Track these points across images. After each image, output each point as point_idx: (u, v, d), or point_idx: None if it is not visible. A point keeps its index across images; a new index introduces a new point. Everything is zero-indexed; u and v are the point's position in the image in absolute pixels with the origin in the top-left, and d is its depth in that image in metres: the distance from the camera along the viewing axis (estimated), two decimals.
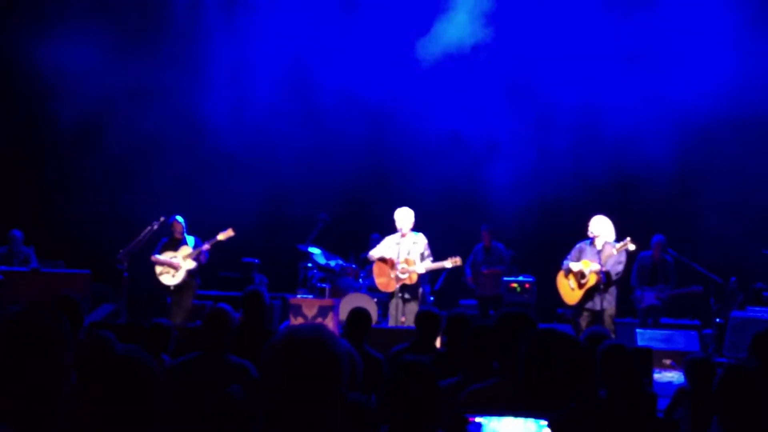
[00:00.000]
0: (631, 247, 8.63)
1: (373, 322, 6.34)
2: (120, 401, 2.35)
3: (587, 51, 11.23)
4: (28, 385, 2.13)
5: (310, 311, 9.60)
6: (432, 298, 10.83)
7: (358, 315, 5.63)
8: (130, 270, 9.45)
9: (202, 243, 9.84)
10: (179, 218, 10.04)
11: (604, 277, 8.59)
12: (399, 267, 8.99)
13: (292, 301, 10.13)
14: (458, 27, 11.46)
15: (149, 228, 9.60)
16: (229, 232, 9.74)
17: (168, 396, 3.94)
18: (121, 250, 9.39)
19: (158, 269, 9.88)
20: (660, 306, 10.12)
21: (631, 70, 11.16)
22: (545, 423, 2.75)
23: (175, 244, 9.92)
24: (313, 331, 2.15)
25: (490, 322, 3.95)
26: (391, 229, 9.25)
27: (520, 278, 10.86)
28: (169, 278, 9.85)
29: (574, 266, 8.76)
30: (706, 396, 4.97)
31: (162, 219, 9.80)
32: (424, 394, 2.93)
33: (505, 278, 10.75)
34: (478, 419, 2.90)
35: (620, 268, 8.68)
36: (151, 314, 8.64)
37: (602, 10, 11.25)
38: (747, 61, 10.74)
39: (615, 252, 8.59)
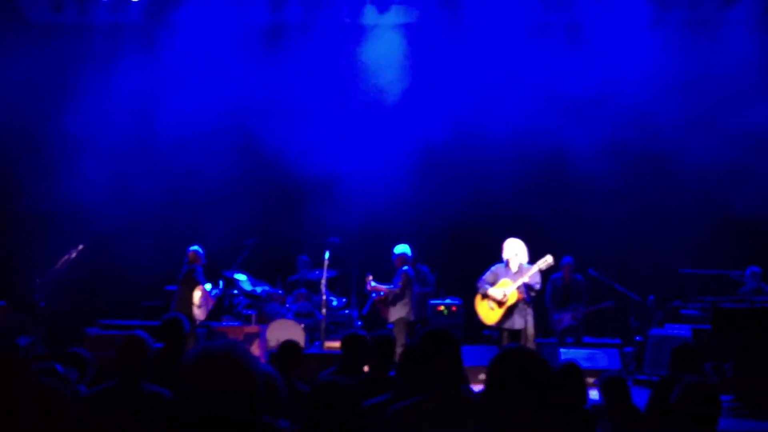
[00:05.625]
0: (551, 263, 8.85)
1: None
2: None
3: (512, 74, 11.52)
4: None
5: (236, 339, 9.46)
6: (360, 323, 10.81)
7: (288, 348, 5.55)
8: (46, 299, 9.15)
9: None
10: (198, 248, 9.88)
11: (526, 290, 8.76)
12: None
13: (218, 328, 9.99)
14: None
15: (66, 256, 9.34)
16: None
17: (83, 426, 3.81)
18: (36, 279, 9.10)
19: (197, 300, 9.61)
20: (576, 326, 10.36)
21: (553, 90, 11.46)
22: None
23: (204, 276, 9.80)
24: (227, 347, 2.12)
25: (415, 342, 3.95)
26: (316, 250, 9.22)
27: (447, 301, 10.93)
28: (202, 312, 9.72)
29: (494, 292, 8.89)
30: (623, 412, 5.09)
31: (80, 247, 9.55)
32: (342, 414, 2.90)
33: (432, 301, 10.80)
34: None
35: (539, 285, 8.90)
36: (70, 344, 8.36)
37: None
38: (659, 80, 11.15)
39: (536, 269, 8.79)
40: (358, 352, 5.67)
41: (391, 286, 9.78)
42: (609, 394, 5.04)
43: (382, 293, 9.87)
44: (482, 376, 8.09)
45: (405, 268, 9.74)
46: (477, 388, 6.85)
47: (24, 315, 10.40)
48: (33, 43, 11.78)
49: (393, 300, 9.68)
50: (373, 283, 9.97)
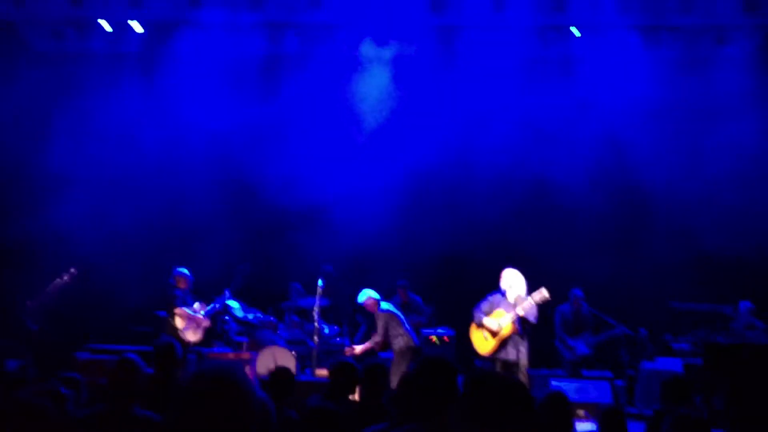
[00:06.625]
0: (546, 296, 8.85)
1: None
2: None
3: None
4: None
5: None
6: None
7: (280, 375, 5.56)
8: (37, 323, 9.12)
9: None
10: (185, 270, 9.91)
11: (520, 323, 8.77)
12: None
13: (209, 355, 9.94)
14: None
15: (59, 279, 9.32)
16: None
17: None
18: (28, 302, 9.07)
19: (181, 324, 9.68)
20: (591, 354, 10.43)
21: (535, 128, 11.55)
22: None
23: (185, 299, 9.86)
24: (224, 370, 2.13)
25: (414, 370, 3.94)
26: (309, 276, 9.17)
27: (439, 331, 10.91)
28: (191, 334, 9.69)
29: (489, 322, 8.91)
30: None
31: (73, 271, 9.54)
32: None
33: (424, 331, 10.78)
34: None
35: (535, 319, 8.89)
36: (59, 368, 8.31)
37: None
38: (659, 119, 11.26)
39: (531, 302, 8.79)
40: (346, 380, 5.68)
41: (372, 339, 9.58)
42: (606, 427, 5.05)
43: (372, 348, 9.68)
44: None
45: (381, 310, 9.51)
46: None
47: (13, 338, 10.35)
48: (33, 72, 11.83)
49: (384, 345, 9.58)
50: (357, 349, 9.71)
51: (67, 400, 3.76)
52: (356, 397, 5.93)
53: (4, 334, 10.12)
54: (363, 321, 10.48)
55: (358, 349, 9.70)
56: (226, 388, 2.07)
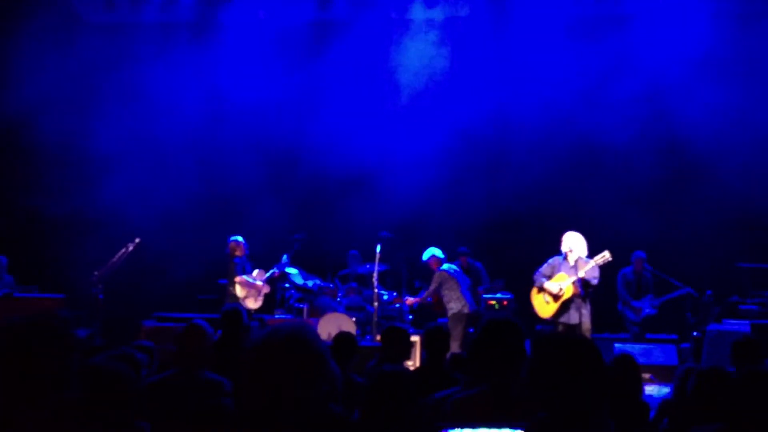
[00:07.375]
0: (609, 258, 8.72)
1: None
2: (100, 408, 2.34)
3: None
4: (31, 384, 2.12)
5: None
6: (410, 317, 10.81)
7: (344, 339, 5.59)
8: (104, 292, 9.34)
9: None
10: (239, 238, 10.05)
11: (581, 285, 8.65)
12: None
13: (270, 322, 10.07)
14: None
15: (124, 249, 9.51)
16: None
17: (142, 412, 3.88)
18: (95, 272, 9.27)
19: (242, 293, 9.84)
20: (656, 315, 10.32)
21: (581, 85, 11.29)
22: None
23: (244, 267, 10.07)
24: (297, 327, 2.12)
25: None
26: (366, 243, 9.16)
27: (498, 295, 10.87)
28: (252, 302, 9.90)
29: (550, 286, 8.82)
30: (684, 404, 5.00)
31: (137, 240, 9.72)
32: (403, 402, 2.89)
33: (484, 295, 10.77)
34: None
35: (596, 280, 8.77)
36: (127, 337, 8.52)
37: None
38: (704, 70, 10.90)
39: (593, 264, 8.67)
40: (398, 345, 5.69)
41: (423, 294, 10.05)
42: (684, 385, 4.93)
43: (429, 299, 9.98)
44: None
45: (439, 269, 9.79)
46: None
47: (80, 308, 10.64)
48: (85, 43, 11.97)
49: (438, 302, 9.76)
50: (410, 299, 10.24)
51: (142, 365, 3.86)
52: (409, 363, 5.94)
53: (73, 303, 10.42)
54: (422, 285, 10.52)
55: (411, 300, 10.14)
56: (299, 344, 2.06)
